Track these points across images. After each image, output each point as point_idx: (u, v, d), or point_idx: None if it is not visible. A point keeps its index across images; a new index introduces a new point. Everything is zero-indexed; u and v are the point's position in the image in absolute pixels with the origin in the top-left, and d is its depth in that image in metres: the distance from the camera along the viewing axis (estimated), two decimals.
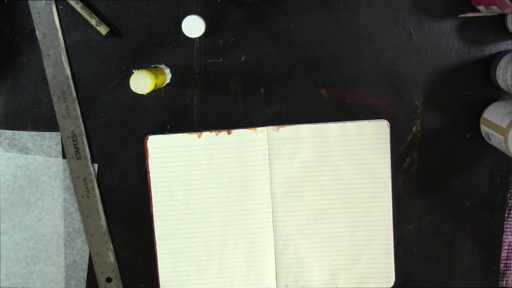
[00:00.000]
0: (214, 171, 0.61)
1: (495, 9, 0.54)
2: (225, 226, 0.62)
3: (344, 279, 0.62)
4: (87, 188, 0.63)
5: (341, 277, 0.62)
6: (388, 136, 0.60)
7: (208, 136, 0.61)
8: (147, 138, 0.61)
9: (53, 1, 0.59)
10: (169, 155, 0.61)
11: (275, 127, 0.60)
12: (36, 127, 0.62)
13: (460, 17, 0.58)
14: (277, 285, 0.62)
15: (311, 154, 0.60)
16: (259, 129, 0.60)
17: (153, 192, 0.62)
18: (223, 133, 0.60)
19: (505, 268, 0.63)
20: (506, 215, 0.62)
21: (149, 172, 0.61)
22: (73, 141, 0.62)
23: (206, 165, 0.61)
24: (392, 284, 0.62)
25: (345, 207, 0.61)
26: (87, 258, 0.65)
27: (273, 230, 0.62)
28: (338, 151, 0.60)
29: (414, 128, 0.61)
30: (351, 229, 0.61)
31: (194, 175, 0.61)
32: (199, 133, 0.61)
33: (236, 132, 0.60)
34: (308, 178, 0.61)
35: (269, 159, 0.61)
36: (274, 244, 0.62)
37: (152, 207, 0.62)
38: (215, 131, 0.60)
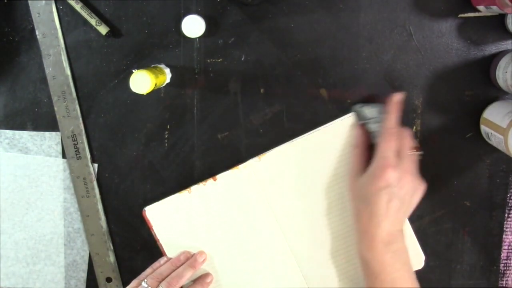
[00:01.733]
0: (216, 220, 0.61)
1: (495, 9, 0.54)
2: (245, 263, 0.62)
3: None
4: (87, 188, 0.63)
5: None
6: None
7: (197, 189, 0.61)
8: (144, 211, 0.61)
9: (53, 1, 0.59)
10: (170, 218, 0.61)
11: (256, 158, 0.60)
12: (36, 127, 0.62)
13: (460, 17, 0.58)
14: None
15: (301, 170, 0.60)
16: (241, 166, 0.60)
17: (168, 254, 0.62)
18: (210, 181, 0.60)
19: (505, 268, 0.63)
20: (506, 215, 0.62)
21: (158, 240, 0.62)
22: (73, 141, 0.62)
23: (206, 217, 0.61)
24: (423, 263, 0.61)
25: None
26: (87, 258, 0.65)
27: (296, 260, 0.61)
28: (324, 158, 0.60)
29: (414, 128, 0.61)
30: None
31: (200, 230, 0.61)
32: (188, 189, 0.61)
33: (221, 177, 0.60)
34: (308, 194, 0.60)
35: (262, 190, 0.60)
36: (301, 272, 0.61)
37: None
38: (201, 182, 0.60)
